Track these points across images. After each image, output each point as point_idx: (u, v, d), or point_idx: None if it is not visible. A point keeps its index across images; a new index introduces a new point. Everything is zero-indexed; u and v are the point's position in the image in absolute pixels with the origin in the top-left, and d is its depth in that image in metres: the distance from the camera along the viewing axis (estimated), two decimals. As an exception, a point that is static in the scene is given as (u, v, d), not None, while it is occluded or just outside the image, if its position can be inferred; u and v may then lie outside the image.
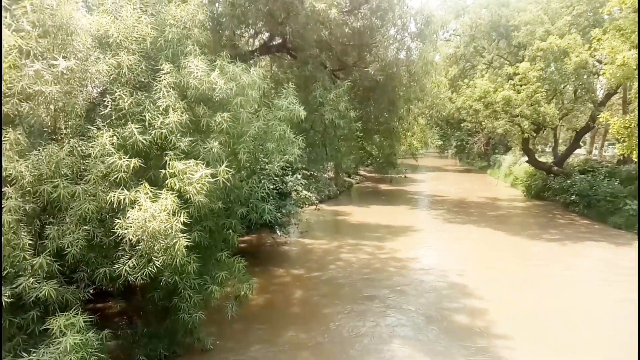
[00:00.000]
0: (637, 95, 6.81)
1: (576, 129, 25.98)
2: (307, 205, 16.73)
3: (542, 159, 28.81)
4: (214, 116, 6.52)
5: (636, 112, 7.52)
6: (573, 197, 22.45)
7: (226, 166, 6.04)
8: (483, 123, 23.33)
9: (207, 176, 5.77)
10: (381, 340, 8.95)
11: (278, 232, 15.71)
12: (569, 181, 23.40)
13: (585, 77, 21.43)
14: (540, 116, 21.15)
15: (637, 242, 16.34)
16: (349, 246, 16.01)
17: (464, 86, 23.71)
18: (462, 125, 29.02)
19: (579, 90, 23.64)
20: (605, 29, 16.96)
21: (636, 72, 7.56)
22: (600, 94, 24.76)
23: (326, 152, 13.19)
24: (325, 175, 25.63)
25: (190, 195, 5.71)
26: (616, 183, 20.87)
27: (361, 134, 16.30)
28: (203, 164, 5.94)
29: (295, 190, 15.03)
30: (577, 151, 28.74)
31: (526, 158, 28.22)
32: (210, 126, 6.58)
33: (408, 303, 10.87)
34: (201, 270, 6.77)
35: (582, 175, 23.08)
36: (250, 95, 6.82)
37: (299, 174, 14.82)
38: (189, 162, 5.86)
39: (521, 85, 21.58)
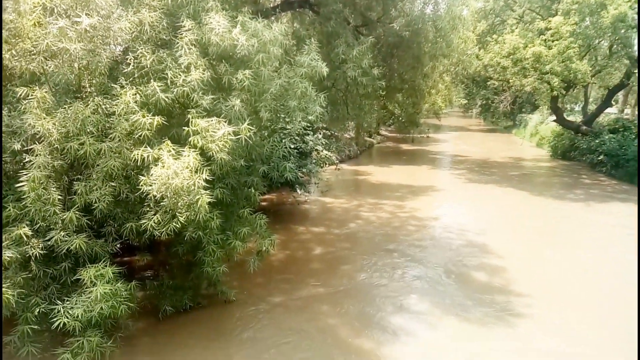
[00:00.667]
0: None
1: (609, 86, 24.93)
2: (327, 165, 16.71)
3: (571, 118, 27.94)
4: (235, 74, 6.47)
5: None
6: (601, 157, 21.87)
7: (248, 124, 6.05)
8: (510, 81, 22.58)
9: (229, 134, 5.79)
10: (400, 293, 9.14)
11: (298, 191, 15.86)
12: (597, 140, 22.72)
13: (622, 31, 20.34)
14: (572, 73, 20.32)
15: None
16: (369, 205, 16.09)
17: (492, 42, 22.82)
18: (489, 83, 28.16)
19: (615, 46, 22.53)
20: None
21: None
22: (637, 49, 23.59)
23: (348, 111, 13.03)
24: (346, 134, 25.48)
25: (212, 153, 5.76)
26: (647, 143, 20.20)
27: (384, 92, 15.98)
28: (225, 121, 5.96)
29: (316, 149, 15.02)
30: (608, 110, 27.70)
31: (553, 117, 27.39)
32: (231, 84, 6.55)
33: (427, 260, 10.99)
34: (224, 226, 6.93)
35: (612, 135, 22.35)
36: (271, 52, 6.72)
37: (320, 133, 14.76)
38: (211, 120, 5.88)
39: (553, 41, 20.64)
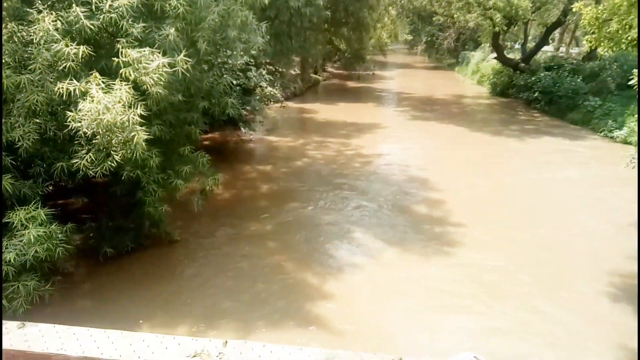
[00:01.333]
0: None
1: (547, 24, 25.55)
2: (272, 102, 16.35)
3: (511, 56, 28.60)
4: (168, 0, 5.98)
5: (609, 2, 7.32)
6: (536, 94, 22.74)
7: (185, 56, 5.67)
8: (455, 16, 22.59)
9: (164, 66, 5.42)
10: (345, 227, 9.37)
11: (243, 129, 15.51)
12: (533, 78, 23.50)
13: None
14: (513, 9, 20.58)
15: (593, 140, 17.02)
16: (316, 143, 16.07)
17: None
18: (434, 19, 28.01)
19: (553, -18, 22.90)
20: None
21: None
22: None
23: (292, 44, 12.58)
24: (291, 71, 24.85)
25: (147, 87, 5.40)
26: (579, 80, 21.13)
27: (329, 26, 15.53)
28: (159, 52, 5.56)
29: (260, 86, 14.56)
30: (545, 48, 28.57)
31: (494, 55, 27.93)
32: (165, 11, 6.05)
33: (372, 195, 11.27)
34: (164, 165, 6.67)
35: (547, 72, 23.16)
36: (207, -24, 6.22)
37: (264, 69, 14.25)
38: (144, 51, 5.46)
39: (496, -24, 20.66)
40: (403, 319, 6.48)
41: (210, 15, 6.18)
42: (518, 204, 10.94)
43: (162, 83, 5.42)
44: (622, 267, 7.92)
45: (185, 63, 5.60)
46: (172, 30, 5.81)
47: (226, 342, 2.02)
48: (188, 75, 5.72)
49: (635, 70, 7.71)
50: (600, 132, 17.68)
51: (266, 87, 15.22)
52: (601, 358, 5.82)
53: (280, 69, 17.62)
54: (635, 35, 6.88)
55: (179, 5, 5.88)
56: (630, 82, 7.75)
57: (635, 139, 15.03)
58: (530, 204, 10.97)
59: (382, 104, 26.17)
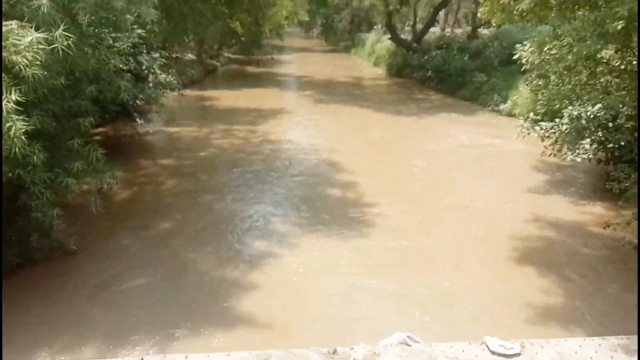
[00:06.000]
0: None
1: (434, 4, 26.88)
2: (168, 90, 15.16)
3: (403, 37, 29.69)
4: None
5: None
6: (429, 73, 23.83)
7: (64, 31, 4.79)
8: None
9: (39, 42, 4.52)
10: (260, 218, 8.98)
11: (138, 120, 14.23)
12: (426, 57, 24.59)
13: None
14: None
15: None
16: (220, 132, 15.32)
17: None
18: (328, 0, 28.09)
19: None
20: None
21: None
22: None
23: (186, 23, 11.59)
24: (188, 56, 23.43)
25: (21, 68, 4.46)
26: (465, 58, 22.50)
27: (226, 4, 14.67)
28: (31, 27, 4.63)
29: (153, 72, 13.34)
30: (432, 29, 30.06)
31: (388, 36, 28.79)
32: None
33: (284, 181, 11.00)
34: (50, 162, 5.71)
35: (438, 51, 24.37)
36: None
37: (157, 52, 13.06)
38: (11, 24, 4.50)
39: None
40: (328, 306, 6.28)
41: (91, -16, 5.30)
42: (424, 179, 11.37)
43: (38, 63, 4.51)
44: (523, 230, 8.48)
45: (66, 39, 4.73)
46: (45, 0, 4.86)
47: (142, 359, 1.58)
48: (70, 53, 4.85)
49: (517, 45, 8.12)
50: (488, 107, 18.99)
51: (161, 74, 14.03)
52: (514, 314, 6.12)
53: (175, 54, 16.39)
54: (525, 7, 7.17)
55: (52, -28, 4.95)
56: (514, 57, 8.18)
57: (518, 111, 16.40)
58: (434, 177, 11.47)
59: (284, 88, 25.80)
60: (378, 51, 33.34)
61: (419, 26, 29.80)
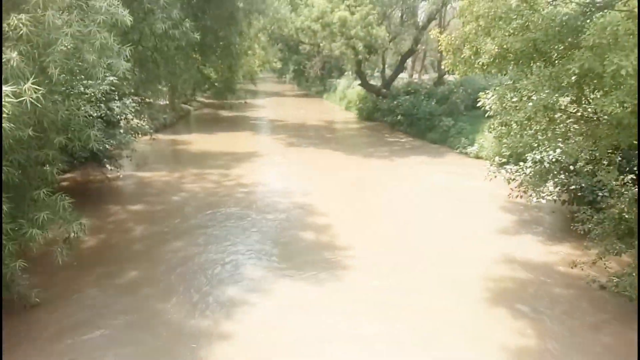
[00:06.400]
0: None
1: (401, 53, 27.98)
2: (140, 135, 15.08)
3: (372, 83, 30.66)
4: (7, 18, 5.04)
5: (460, 31, 8.04)
6: (399, 117, 24.51)
7: (34, 84, 4.77)
8: (321, 45, 23.61)
9: (7, 95, 4.48)
10: (233, 263, 8.85)
11: (108, 166, 14.03)
12: (395, 102, 25.38)
13: (410, 1, 22.87)
14: (373, 38, 22.16)
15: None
16: (193, 176, 15.21)
17: (302, 4, 23.44)
18: (301, 48, 28.95)
19: (405, 15, 25.24)
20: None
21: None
22: (421, 18, 26.82)
23: (159, 70, 11.70)
24: (160, 101, 23.53)
25: (-15, 121, 4.41)
26: (433, 103, 23.32)
27: (199, 53, 14.92)
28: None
29: (125, 117, 13.32)
30: (401, 75, 31.18)
31: (358, 82, 29.68)
32: (4, 32, 5.09)
33: (257, 226, 10.89)
34: (14, 213, 5.55)
35: (407, 97, 25.20)
36: (56, -7, 5.39)
37: (129, 99, 13.08)
38: (-23, 77, 4.47)
39: (356, 7, 22.16)
40: (301, 356, 6.15)
41: (62, 37, 5.34)
42: (396, 221, 11.44)
43: (5, 116, 4.46)
44: (494, 271, 8.60)
45: (35, 92, 4.71)
46: (15, 54, 4.87)
47: None
48: (39, 106, 4.82)
49: (480, 93, 8.52)
50: (456, 149, 19.57)
51: (132, 119, 14.01)
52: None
53: (147, 99, 16.43)
54: (485, 61, 7.57)
55: (21, 26, 4.98)
56: (479, 104, 8.56)
57: (485, 153, 16.95)
58: (406, 218, 11.59)
59: (257, 132, 26.04)
60: (349, 96, 34.24)
61: (388, 72, 30.90)
